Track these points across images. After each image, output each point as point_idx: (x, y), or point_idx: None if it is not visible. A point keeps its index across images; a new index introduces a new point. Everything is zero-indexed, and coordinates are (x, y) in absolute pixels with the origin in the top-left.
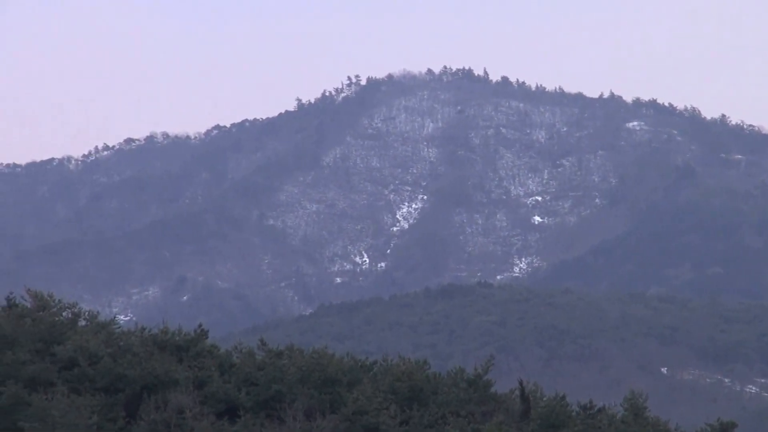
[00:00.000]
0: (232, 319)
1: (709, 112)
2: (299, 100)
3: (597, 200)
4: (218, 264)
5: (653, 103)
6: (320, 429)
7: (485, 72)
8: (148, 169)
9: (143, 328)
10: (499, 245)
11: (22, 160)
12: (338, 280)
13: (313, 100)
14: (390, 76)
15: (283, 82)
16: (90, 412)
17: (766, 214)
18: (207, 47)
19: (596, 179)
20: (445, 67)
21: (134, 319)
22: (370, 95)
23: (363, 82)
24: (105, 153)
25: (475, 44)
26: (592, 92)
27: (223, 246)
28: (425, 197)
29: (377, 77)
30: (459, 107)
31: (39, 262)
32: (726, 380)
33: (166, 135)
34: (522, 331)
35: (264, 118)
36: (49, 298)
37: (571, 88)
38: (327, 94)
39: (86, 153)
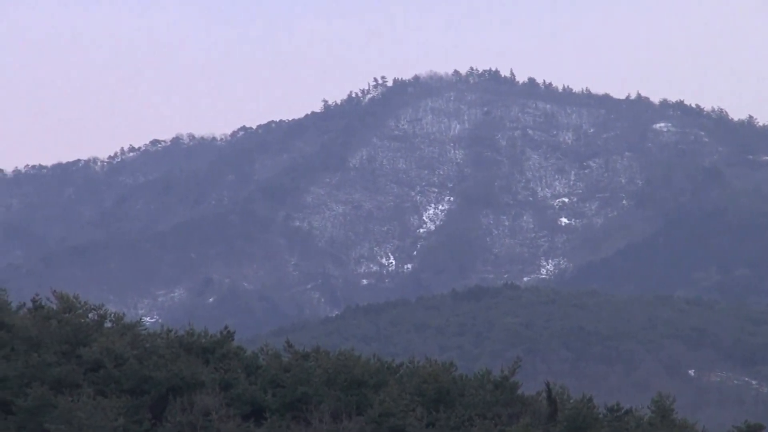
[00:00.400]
0: (258, 321)
1: (737, 114)
2: (325, 102)
3: (624, 202)
4: (244, 265)
5: (680, 105)
6: (346, 431)
7: (512, 73)
8: (174, 171)
9: (169, 330)
10: (525, 247)
11: (48, 161)
12: (364, 281)
13: (339, 102)
14: (416, 78)
15: (309, 83)
16: (116, 414)
17: None
18: (233, 48)
19: (623, 181)
20: (471, 68)
21: (160, 320)
22: (397, 96)
23: (389, 84)
24: (131, 154)
25: (501, 45)
26: (618, 93)
27: (249, 247)
28: (452, 199)
29: (403, 78)
30: (485, 108)
31: (65, 264)
32: (753, 382)
33: (192, 136)
34: (549, 332)
35: (290, 119)
36: (74, 300)
37: (597, 90)
38: (353, 95)
39: (112, 154)
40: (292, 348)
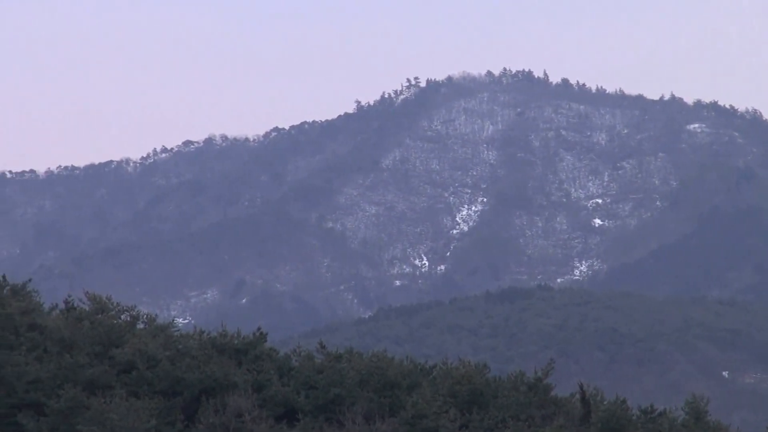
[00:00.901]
0: (291, 323)
1: None
2: (358, 102)
3: (658, 203)
4: (277, 267)
5: (714, 105)
6: None
7: (545, 74)
8: (206, 172)
9: (202, 331)
10: (559, 248)
11: (81, 162)
12: (397, 283)
13: (372, 102)
14: (449, 78)
15: (342, 84)
16: (148, 415)
17: None
18: (266, 48)
19: (657, 182)
20: (504, 68)
21: (193, 322)
22: (430, 97)
23: (422, 84)
24: (163, 155)
25: (534, 46)
26: (652, 94)
27: (281, 249)
28: (485, 200)
29: (437, 79)
30: (519, 109)
31: (97, 265)
32: None
33: (224, 137)
34: (582, 334)
35: (323, 120)
36: (107, 301)
37: (631, 90)
38: (386, 96)
39: (144, 155)
40: (325, 349)
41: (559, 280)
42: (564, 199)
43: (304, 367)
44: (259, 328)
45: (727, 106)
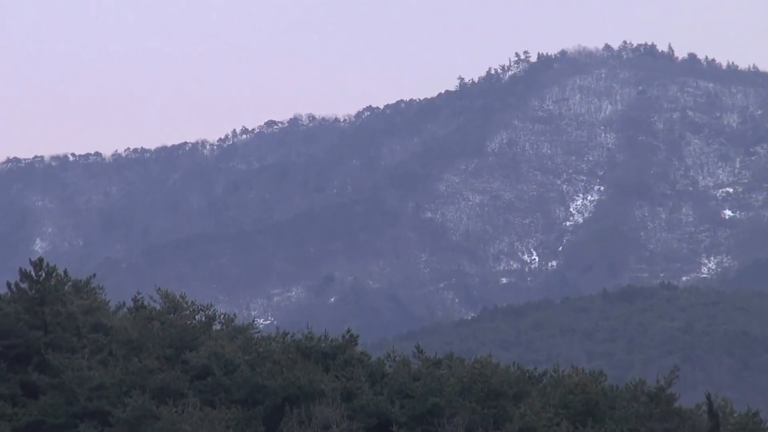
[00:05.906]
0: (385, 324)
1: None
2: (461, 79)
3: None
4: (369, 262)
5: None
6: None
7: (670, 48)
8: (291, 155)
9: (285, 333)
10: (684, 242)
11: (152, 144)
12: (504, 280)
13: (476, 79)
14: (563, 53)
15: (443, 59)
16: (225, 426)
17: None
18: (357, 19)
19: None
20: (624, 42)
21: (275, 323)
22: (541, 74)
23: (533, 59)
24: (243, 137)
25: (658, 17)
26: None
27: (375, 241)
28: (602, 188)
29: (549, 54)
30: (640, 87)
31: (170, 259)
32: None
33: (311, 117)
34: (710, 338)
35: (422, 98)
36: (180, 299)
37: (766, 67)
38: (492, 72)
39: (222, 137)
40: (423, 354)
41: (684, 279)
42: (690, 188)
43: (399, 374)
44: (348, 330)
45: None
